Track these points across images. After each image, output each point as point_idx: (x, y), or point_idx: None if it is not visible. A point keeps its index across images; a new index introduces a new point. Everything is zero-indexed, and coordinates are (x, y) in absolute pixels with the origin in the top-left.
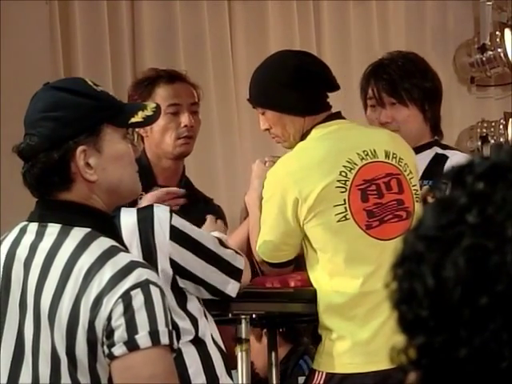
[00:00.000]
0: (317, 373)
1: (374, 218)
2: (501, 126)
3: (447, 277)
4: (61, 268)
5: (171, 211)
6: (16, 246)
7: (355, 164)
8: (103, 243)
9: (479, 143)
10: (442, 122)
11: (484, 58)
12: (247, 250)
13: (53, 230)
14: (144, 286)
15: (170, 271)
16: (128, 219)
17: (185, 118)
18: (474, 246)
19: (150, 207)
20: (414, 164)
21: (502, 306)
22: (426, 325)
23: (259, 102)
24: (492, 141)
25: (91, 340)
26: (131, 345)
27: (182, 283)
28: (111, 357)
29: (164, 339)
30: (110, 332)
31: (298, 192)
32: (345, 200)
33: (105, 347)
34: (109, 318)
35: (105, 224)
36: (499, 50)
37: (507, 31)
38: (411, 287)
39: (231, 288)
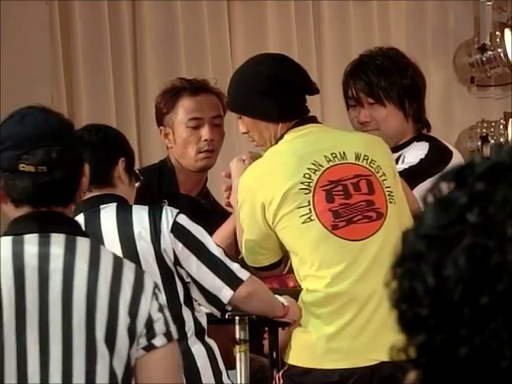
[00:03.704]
0: (285, 364)
1: (341, 219)
2: (501, 126)
3: (448, 276)
4: (85, 270)
5: (181, 212)
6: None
7: (321, 166)
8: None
9: (479, 143)
10: (442, 122)
11: (484, 58)
12: (235, 247)
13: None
14: (157, 286)
15: (172, 261)
16: (140, 212)
17: (205, 132)
18: (475, 245)
19: (160, 206)
20: (389, 166)
21: (503, 305)
22: (426, 324)
23: (235, 107)
24: (492, 141)
25: (132, 332)
26: (169, 336)
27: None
28: (150, 348)
29: None
30: (150, 325)
31: (263, 196)
32: (309, 201)
33: (143, 339)
34: (149, 313)
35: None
36: (499, 50)
37: (507, 31)
38: (411, 286)
39: (224, 294)
